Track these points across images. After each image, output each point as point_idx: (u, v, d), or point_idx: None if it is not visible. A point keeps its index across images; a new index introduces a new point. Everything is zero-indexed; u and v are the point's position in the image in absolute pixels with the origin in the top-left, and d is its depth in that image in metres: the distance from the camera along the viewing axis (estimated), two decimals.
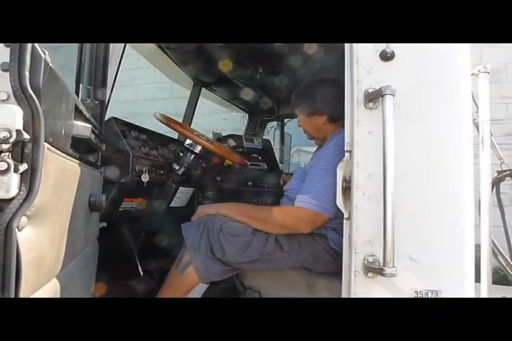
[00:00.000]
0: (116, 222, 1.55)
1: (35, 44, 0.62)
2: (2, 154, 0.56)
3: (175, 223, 1.61)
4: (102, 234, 1.38)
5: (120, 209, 1.53)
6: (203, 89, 2.55)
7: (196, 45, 1.88)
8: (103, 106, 1.31)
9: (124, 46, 1.52)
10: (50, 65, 0.67)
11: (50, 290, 0.76)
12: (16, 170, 0.56)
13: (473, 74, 1.50)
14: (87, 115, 1.02)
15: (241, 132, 3.10)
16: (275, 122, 3.21)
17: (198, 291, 1.75)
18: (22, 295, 0.60)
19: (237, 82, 2.43)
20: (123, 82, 4.05)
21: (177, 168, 1.75)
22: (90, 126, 0.91)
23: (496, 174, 2.04)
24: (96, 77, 1.26)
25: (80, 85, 1.13)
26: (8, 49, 0.58)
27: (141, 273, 1.65)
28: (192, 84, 2.46)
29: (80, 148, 0.95)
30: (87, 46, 1.23)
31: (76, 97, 0.94)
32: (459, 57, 1.25)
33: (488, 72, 1.47)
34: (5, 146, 0.56)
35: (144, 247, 1.68)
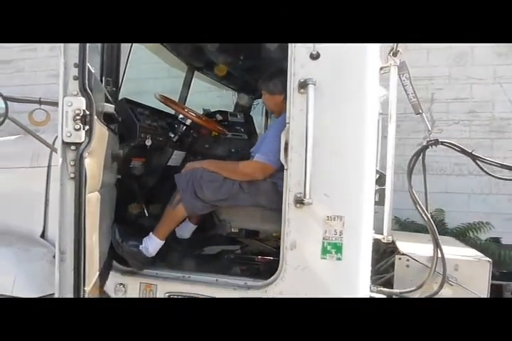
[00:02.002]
0: (127, 175, 2.11)
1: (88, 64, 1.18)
2: (77, 120, 1.12)
3: (171, 177, 2.17)
4: (118, 184, 1.96)
5: (130, 166, 2.10)
6: (197, 71, 3.08)
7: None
8: (117, 90, 1.86)
9: (131, 45, 2.04)
10: (94, 74, 1.22)
11: (95, 196, 1.34)
12: (83, 129, 1.13)
13: (386, 67, 2.02)
14: (110, 98, 1.58)
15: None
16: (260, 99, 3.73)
17: (188, 230, 2.36)
18: (88, 190, 1.18)
19: (224, 66, 2.95)
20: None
21: (172, 135, 2.33)
22: (113, 105, 1.47)
23: (424, 143, 2.59)
24: (112, 70, 1.81)
25: (103, 78, 1.67)
26: (77, 69, 1.14)
27: (146, 214, 2.23)
28: (186, 68, 2.99)
29: (106, 119, 1.51)
30: (105, 47, 1.77)
31: (105, 89, 1.49)
32: (368, 56, 1.74)
33: (398, 65, 1.99)
34: (78, 117, 1.12)
35: (147, 194, 2.26)
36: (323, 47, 1.70)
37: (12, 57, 6.04)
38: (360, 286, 1.73)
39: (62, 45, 1.23)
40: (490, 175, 2.63)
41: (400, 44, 2.38)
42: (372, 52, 1.77)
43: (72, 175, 1.23)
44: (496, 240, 4.38)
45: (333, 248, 1.69)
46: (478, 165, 2.65)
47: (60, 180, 1.26)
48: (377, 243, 3.36)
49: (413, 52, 4.51)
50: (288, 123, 1.74)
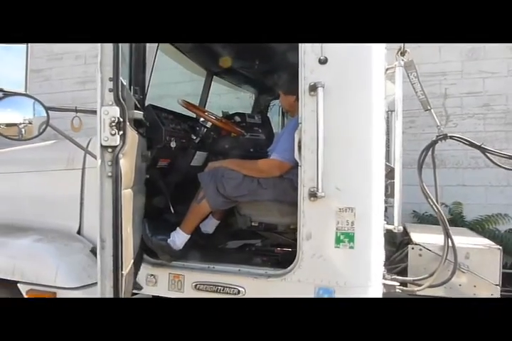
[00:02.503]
0: (155, 175, 2.29)
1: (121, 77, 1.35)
2: (112, 127, 1.30)
3: (194, 176, 2.34)
4: (146, 183, 2.13)
5: (157, 166, 2.28)
6: (215, 76, 3.25)
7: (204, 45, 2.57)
8: (144, 97, 2.04)
9: (156, 55, 2.22)
10: (126, 86, 1.39)
11: (129, 192, 1.52)
12: (118, 134, 1.31)
13: (391, 67, 2.14)
14: (138, 105, 1.76)
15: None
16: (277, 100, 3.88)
17: (211, 225, 2.53)
18: (123, 187, 1.36)
19: (241, 70, 3.11)
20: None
21: (194, 137, 2.50)
22: (142, 112, 1.64)
23: (434, 138, 2.69)
24: (138, 80, 1.99)
25: (131, 87, 1.85)
26: (111, 82, 1.31)
27: (172, 210, 2.41)
28: (205, 74, 3.16)
29: (136, 125, 1.69)
30: (133, 58, 1.95)
31: (133, 97, 1.67)
32: (372, 59, 1.87)
33: (402, 66, 2.11)
34: (113, 124, 1.30)
35: (173, 192, 2.44)
36: (330, 53, 1.83)
37: (41, 66, 6.33)
38: (373, 273, 1.86)
39: (98, 61, 1.41)
40: (500, 166, 2.72)
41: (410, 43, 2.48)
42: (377, 56, 1.89)
43: (110, 174, 1.42)
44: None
45: (345, 237, 1.82)
46: (487, 157, 2.74)
47: (100, 179, 1.45)
48: (393, 235, 3.49)
49: (425, 48, 4.59)
50: (300, 123, 1.88)
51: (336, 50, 1.83)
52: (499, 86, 4.44)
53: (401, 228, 2.16)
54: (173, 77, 5.10)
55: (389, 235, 3.63)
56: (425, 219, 4.44)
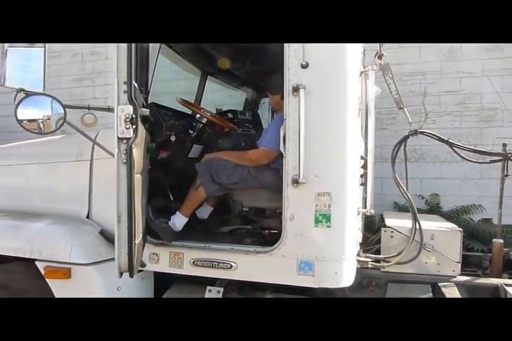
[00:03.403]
0: (156, 165, 2.56)
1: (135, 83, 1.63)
2: (127, 122, 1.58)
3: (191, 166, 2.62)
4: (149, 172, 2.41)
5: (158, 158, 2.56)
6: (209, 76, 3.53)
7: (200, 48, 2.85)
8: (147, 96, 2.31)
9: (157, 56, 2.48)
10: (137, 88, 1.67)
11: (139, 176, 1.80)
12: (131, 128, 1.60)
13: (364, 71, 2.43)
14: (144, 104, 2.03)
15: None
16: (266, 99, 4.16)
17: (206, 212, 2.81)
18: (135, 172, 1.64)
19: (233, 71, 3.39)
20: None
21: (191, 132, 2.79)
22: (149, 110, 1.92)
23: (406, 133, 3.00)
24: (142, 80, 2.25)
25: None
26: (125, 85, 1.59)
27: (171, 197, 2.69)
28: (200, 74, 3.44)
29: (143, 120, 1.97)
30: (138, 60, 2.21)
31: (141, 97, 1.95)
32: (347, 64, 2.15)
33: (375, 70, 2.39)
34: (127, 120, 1.58)
35: (173, 181, 2.72)
36: (311, 59, 2.10)
37: None
38: (347, 248, 2.15)
39: (115, 68, 1.69)
40: (465, 159, 3.05)
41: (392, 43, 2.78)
42: (352, 61, 2.17)
43: (125, 161, 1.70)
44: (488, 221, 4.76)
45: (323, 218, 2.11)
46: (454, 151, 3.06)
47: (117, 165, 1.74)
48: (373, 222, 3.79)
49: (407, 49, 4.92)
50: (285, 119, 2.16)
51: (316, 56, 2.10)
52: (474, 85, 4.78)
53: (373, 211, 2.46)
54: (168, 75, 5.37)
55: (369, 222, 3.96)
56: (405, 209, 4.75)
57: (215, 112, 3.33)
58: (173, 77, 5.50)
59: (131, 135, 1.67)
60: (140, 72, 2.21)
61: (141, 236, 1.95)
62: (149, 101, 2.46)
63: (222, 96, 5.14)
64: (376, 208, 4.51)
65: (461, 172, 4.79)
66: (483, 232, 4.42)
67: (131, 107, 1.66)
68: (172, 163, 2.69)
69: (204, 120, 2.87)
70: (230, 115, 3.36)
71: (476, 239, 4.40)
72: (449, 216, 4.71)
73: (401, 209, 4.84)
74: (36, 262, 2.35)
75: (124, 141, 1.68)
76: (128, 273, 1.82)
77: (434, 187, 4.91)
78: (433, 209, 4.77)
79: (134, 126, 1.66)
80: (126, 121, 1.65)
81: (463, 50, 4.80)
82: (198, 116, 2.99)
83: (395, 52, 4.99)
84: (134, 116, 1.66)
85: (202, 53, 3.01)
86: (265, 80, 2.67)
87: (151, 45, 2.34)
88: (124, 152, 1.68)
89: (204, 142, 2.94)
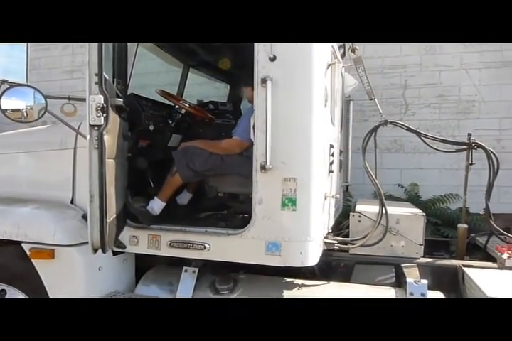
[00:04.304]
0: (136, 154, 2.70)
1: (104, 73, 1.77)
2: (98, 110, 1.72)
3: (171, 155, 2.76)
4: (129, 159, 2.55)
5: (138, 146, 2.70)
6: (191, 68, 3.66)
7: (179, 45, 2.98)
8: (126, 87, 2.45)
9: (136, 51, 2.61)
10: (108, 80, 1.81)
11: (111, 161, 1.95)
12: (102, 116, 1.74)
13: (331, 64, 2.56)
14: (120, 94, 2.17)
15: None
16: None
17: (186, 198, 2.96)
18: (106, 157, 1.79)
19: (215, 65, 3.52)
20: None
21: (170, 122, 2.92)
22: (122, 99, 2.06)
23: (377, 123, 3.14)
24: (121, 73, 2.39)
25: (115, 79, 2.25)
26: (96, 77, 1.73)
27: (152, 183, 2.84)
28: (182, 66, 3.57)
29: (118, 110, 2.10)
30: (116, 56, 2.35)
31: (116, 88, 2.09)
32: (313, 57, 2.28)
33: (340, 63, 2.53)
34: (99, 108, 1.72)
35: (152, 168, 2.86)
36: (278, 52, 2.23)
37: (29, 56, 6.61)
38: (312, 230, 2.30)
39: (86, 60, 1.82)
40: (433, 148, 3.20)
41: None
42: (318, 55, 2.30)
43: (96, 146, 1.86)
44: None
45: (289, 202, 2.26)
46: (423, 140, 3.21)
47: (89, 150, 1.89)
48: (350, 208, 3.95)
49: (388, 44, 5.04)
50: (254, 109, 2.31)
51: (283, 50, 2.23)
52: (453, 78, 4.91)
53: (338, 196, 2.61)
54: (155, 67, 5.47)
55: (347, 210, 4.12)
56: (385, 199, 4.90)
57: (196, 103, 3.47)
58: (162, 69, 5.62)
59: (102, 122, 1.81)
60: (118, 65, 2.35)
61: (115, 216, 2.09)
62: (129, 92, 2.60)
63: (207, 89, 5.26)
64: (357, 197, 4.69)
65: (439, 163, 4.94)
66: (459, 220, 4.58)
67: (101, 97, 1.80)
68: (152, 151, 2.83)
69: (183, 111, 3.01)
70: (211, 106, 3.50)
71: (452, 227, 4.56)
72: (428, 205, 4.87)
73: None
74: (22, 244, 2.51)
75: (96, 128, 1.83)
76: (103, 251, 1.97)
77: (414, 177, 5.06)
78: (412, 198, 4.92)
79: (104, 115, 1.80)
80: (97, 110, 1.79)
81: (442, 45, 4.93)
82: (177, 106, 3.12)
83: (376, 45, 5.12)
84: (104, 105, 1.79)
85: (181, 46, 3.14)
86: (239, 74, 2.80)
87: None
88: (96, 138, 1.83)
89: (183, 132, 3.08)
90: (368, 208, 2.96)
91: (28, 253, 2.48)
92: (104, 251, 2.02)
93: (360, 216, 2.85)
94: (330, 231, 2.92)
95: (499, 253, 2.74)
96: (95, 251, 2.04)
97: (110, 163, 1.96)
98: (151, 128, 2.65)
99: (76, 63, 6.61)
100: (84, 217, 2.62)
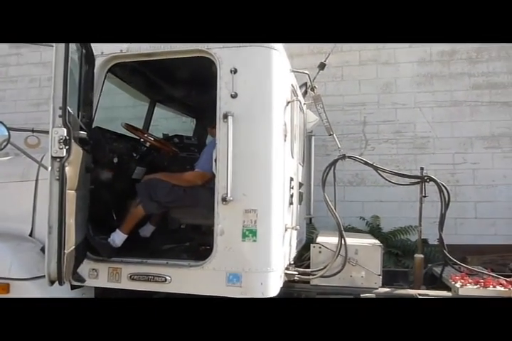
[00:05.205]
0: (99, 185, 2.71)
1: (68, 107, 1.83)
2: (61, 143, 1.77)
3: (134, 187, 2.79)
4: (92, 191, 2.56)
5: (102, 178, 2.72)
6: (158, 103, 3.76)
7: (145, 81, 3.08)
8: (91, 121, 2.50)
9: (103, 83, 2.67)
10: (72, 113, 1.87)
11: (72, 193, 1.96)
12: (65, 148, 1.77)
13: (291, 101, 2.71)
14: (84, 127, 2.22)
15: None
16: None
17: (148, 231, 2.97)
18: (67, 188, 1.81)
19: (180, 100, 3.64)
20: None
21: (135, 155, 2.97)
22: (85, 132, 2.11)
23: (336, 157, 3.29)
24: (87, 106, 2.44)
25: (80, 113, 2.29)
26: (60, 110, 1.79)
27: (114, 217, 2.84)
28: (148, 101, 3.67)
29: (81, 142, 2.14)
30: (82, 88, 2.40)
31: (80, 121, 2.14)
32: (274, 95, 2.41)
33: (299, 100, 2.67)
34: (61, 141, 1.77)
35: (115, 200, 2.87)
36: (239, 90, 2.36)
37: None
38: (273, 261, 2.35)
39: (51, 94, 1.88)
40: (389, 181, 3.35)
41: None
42: (277, 93, 2.44)
43: (57, 177, 1.88)
44: (424, 241, 5.08)
45: (250, 233, 2.31)
46: (379, 174, 3.36)
47: (50, 181, 1.90)
48: (311, 241, 4.02)
49: (347, 82, 5.35)
50: (216, 143, 2.40)
51: (244, 88, 2.36)
52: (408, 115, 5.21)
53: (298, 227, 2.68)
54: (124, 101, 5.54)
55: (311, 242, 4.19)
56: (347, 231, 5.02)
57: (161, 137, 3.54)
58: (130, 104, 5.70)
59: (64, 154, 1.85)
60: (84, 99, 2.40)
61: (74, 248, 2.08)
62: (94, 126, 2.64)
63: (175, 123, 5.35)
64: (321, 229, 4.76)
65: (398, 196, 5.13)
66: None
67: (64, 130, 1.85)
68: (116, 183, 2.85)
69: (148, 144, 3.08)
70: (176, 140, 3.58)
71: (413, 258, 4.68)
72: (389, 236, 5.01)
73: (344, 229, 5.09)
74: None
75: (58, 160, 1.86)
76: (60, 283, 1.95)
77: (375, 210, 5.23)
78: (373, 230, 5.06)
79: (67, 147, 1.85)
80: (60, 142, 1.83)
81: (397, 84, 5.27)
82: (142, 140, 3.18)
83: (337, 84, 5.42)
84: (67, 137, 1.84)
85: (147, 82, 3.24)
86: (205, 111, 2.91)
87: (96, 73, 2.54)
88: (57, 170, 1.85)
89: (147, 164, 3.13)
90: (328, 239, 3.04)
91: None
92: (60, 283, 1.99)
93: (320, 247, 2.93)
94: (292, 262, 2.97)
95: (453, 282, 2.84)
96: (52, 283, 2.01)
97: (71, 195, 1.97)
98: (116, 160, 2.69)
99: (43, 96, 6.62)
100: (43, 249, 2.57)
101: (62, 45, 1.92)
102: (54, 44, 1.93)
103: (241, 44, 2.37)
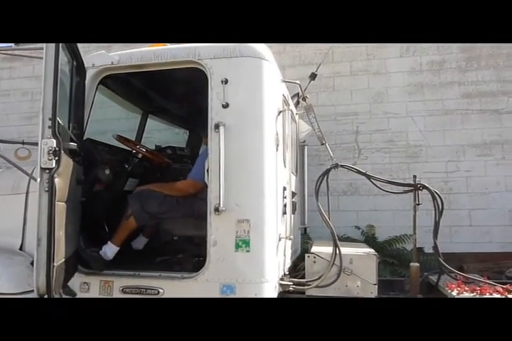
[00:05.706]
0: (91, 197, 2.68)
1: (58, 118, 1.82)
2: (50, 154, 1.75)
3: (126, 199, 2.77)
4: (83, 204, 2.53)
5: (94, 190, 2.70)
6: (150, 114, 3.76)
7: (137, 92, 3.09)
8: (82, 132, 2.49)
9: (94, 95, 2.67)
10: (62, 124, 1.86)
11: (62, 204, 1.94)
12: (54, 159, 1.76)
13: (282, 111, 2.71)
14: (74, 139, 2.20)
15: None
16: None
17: (140, 243, 2.94)
18: (56, 199, 1.79)
19: (172, 111, 3.64)
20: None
21: (127, 166, 2.95)
22: (76, 144, 2.09)
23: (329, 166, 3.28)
24: (78, 118, 2.43)
25: (70, 124, 2.28)
26: (50, 121, 1.78)
27: (106, 229, 2.80)
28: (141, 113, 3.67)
29: (72, 154, 2.13)
30: (73, 100, 2.40)
31: (70, 133, 2.12)
32: (265, 104, 2.42)
33: (291, 110, 2.68)
34: (51, 152, 1.75)
35: (107, 212, 2.84)
36: (230, 99, 2.37)
37: None
38: (267, 272, 2.33)
39: (41, 105, 1.87)
40: (382, 189, 3.34)
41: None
42: (268, 102, 2.45)
43: (47, 189, 1.85)
44: (420, 249, 5.06)
45: (243, 243, 2.30)
46: (372, 182, 3.36)
47: (39, 192, 1.88)
48: (307, 251, 4.00)
49: (339, 92, 5.38)
50: (208, 153, 2.39)
51: (235, 98, 2.37)
52: (400, 124, 5.24)
53: (292, 237, 2.67)
54: (116, 113, 5.53)
55: (306, 252, 4.17)
56: (343, 240, 5.00)
57: (154, 148, 3.53)
58: (123, 116, 5.70)
59: (54, 166, 1.83)
60: (75, 110, 2.39)
61: (63, 261, 2.05)
62: (86, 137, 2.63)
63: (169, 135, 5.34)
64: (316, 239, 4.73)
65: (393, 205, 5.11)
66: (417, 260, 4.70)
67: (54, 141, 1.83)
68: (108, 195, 2.82)
69: (139, 155, 3.07)
70: (168, 151, 3.57)
71: (409, 267, 4.66)
72: (384, 246, 4.99)
73: (340, 239, 5.07)
74: None
75: (47, 171, 1.84)
76: (49, 296, 1.91)
77: (370, 219, 5.21)
78: (369, 239, 5.04)
79: (56, 158, 1.83)
80: (49, 153, 1.81)
81: (389, 94, 5.30)
82: (134, 151, 3.17)
83: (329, 94, 5.45)
84: (57, 149, 1.82)
85: (139, 93, 3.24)
86: (198, 121, 2.91)
87: (87, 85, 2.54)
88: (47, 181, 1.83)
89: (139, 176, 3.11)
90: (323, 249, 3.02)
91: None
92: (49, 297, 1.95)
93: (315, 257, 2.90)
94: (287, 273, 2.94)
95: (449, 291, 2.82)
96: (41, 297, 1.97)
97: (60, 206, 1.95)
98: (108, 172, 2.67)
99: (35, 109, 6.60)
100: (33, 263, 2.54)
101: (52, 55, 1.92)
102: (44, 55, 1.93)
103: (232, 55, 2.39)
